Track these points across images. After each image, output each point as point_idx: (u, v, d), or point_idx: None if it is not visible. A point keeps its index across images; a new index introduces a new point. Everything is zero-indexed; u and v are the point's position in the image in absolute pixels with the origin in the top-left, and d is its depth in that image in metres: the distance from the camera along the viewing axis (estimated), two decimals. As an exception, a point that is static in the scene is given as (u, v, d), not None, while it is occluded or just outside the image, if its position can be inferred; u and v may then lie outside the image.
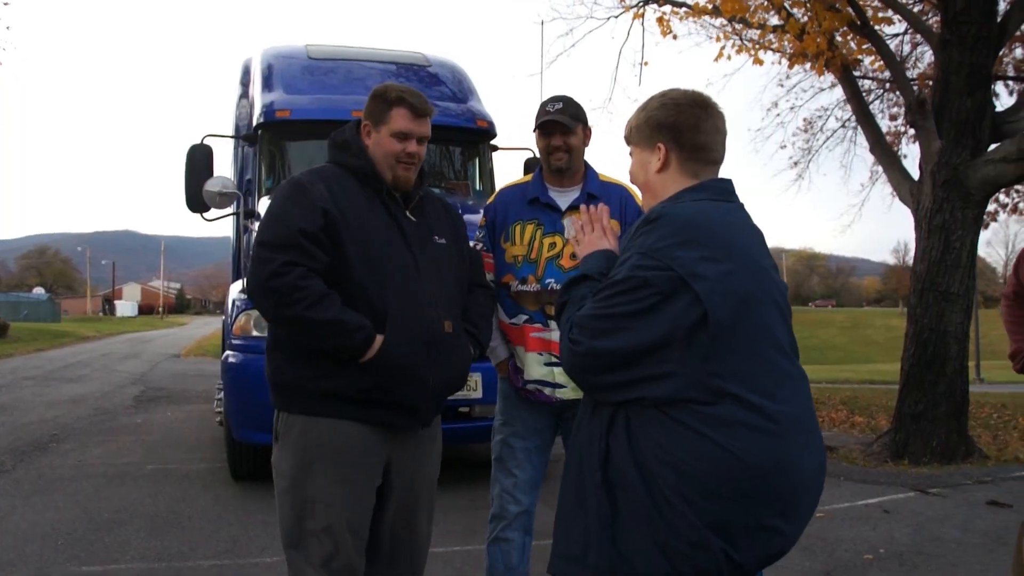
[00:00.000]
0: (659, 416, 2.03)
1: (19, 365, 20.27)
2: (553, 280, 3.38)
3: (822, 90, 14.96)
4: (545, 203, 3.47)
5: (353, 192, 2.88)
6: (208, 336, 37.48)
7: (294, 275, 2.67)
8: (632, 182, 2.43)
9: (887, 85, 14.68)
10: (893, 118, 14.54)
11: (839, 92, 12.79)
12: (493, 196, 3.68)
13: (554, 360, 3.37)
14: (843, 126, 16.03)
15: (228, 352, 6.45)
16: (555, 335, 3.34)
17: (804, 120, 16.24)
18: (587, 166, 3.55)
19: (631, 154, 2.41)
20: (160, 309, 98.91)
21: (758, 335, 2.06)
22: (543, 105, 3.49)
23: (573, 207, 3.43)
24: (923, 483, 6.84)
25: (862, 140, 12.58)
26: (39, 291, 77.74)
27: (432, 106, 3.01)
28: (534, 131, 3.51)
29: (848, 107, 15.41)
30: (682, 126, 2.25)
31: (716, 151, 2.29)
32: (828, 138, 16.11)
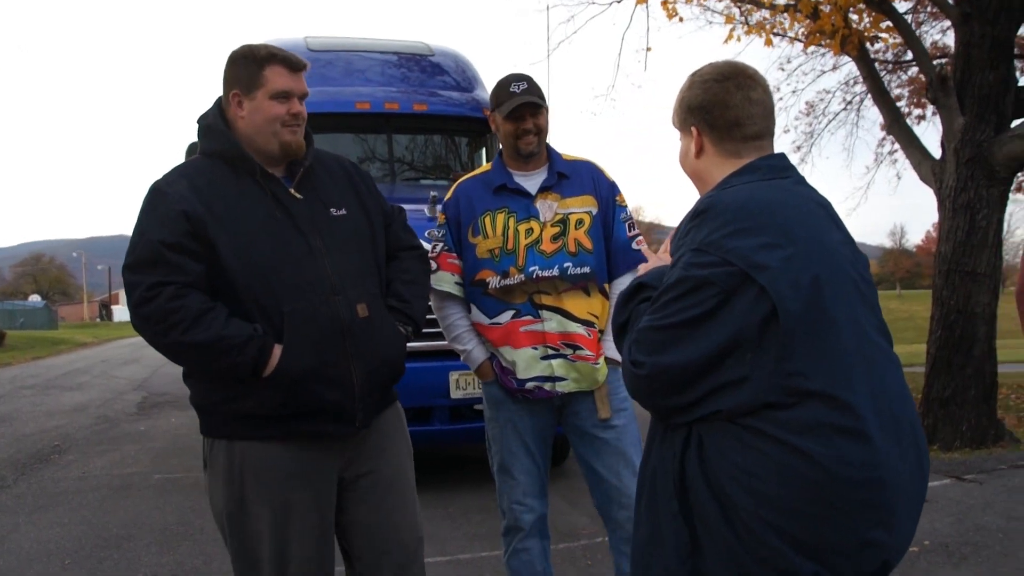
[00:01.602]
0: (734, 430, 1.79)
1: (17, 374, 19.98)
2: (537, 267, 3.18)
3: (824, 72, 14.83)
4: (513, 189, 3.27)
5: (225, 182, 2.55)
6: (207, 339, 37.24)
7: (164, 297, 2.38)
8: (686, 172, 2.19)
9: (889, 66, 14.52)
10: (898, 99, 14.37)
11: (841, 74, 12.68)
12: (450, 191, 3.43)
13: (551, 352, 3.17)
14: (845, 108, 15.90)
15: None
16: (548, 325, 3.17)
17: (806, 103, 16.17)
18: (548, 145, 3.36)
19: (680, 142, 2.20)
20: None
21: (836, 322, 1.81)
22: (503, 87, 3.25)
23: (545, 188, 3.25)
24: (957, 469, 6.64)
25: (864, 123, 12.50)
26: (35, 298, 77.52)
27: (305, 61, 2.67)
28: (495, 113, 3.27)
29: (852, 89, 15.32)
30: (710, 104, 2.04)
31: (753, 124, 2.04)
32: (830, 121, 15.99)
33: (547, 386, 3.20)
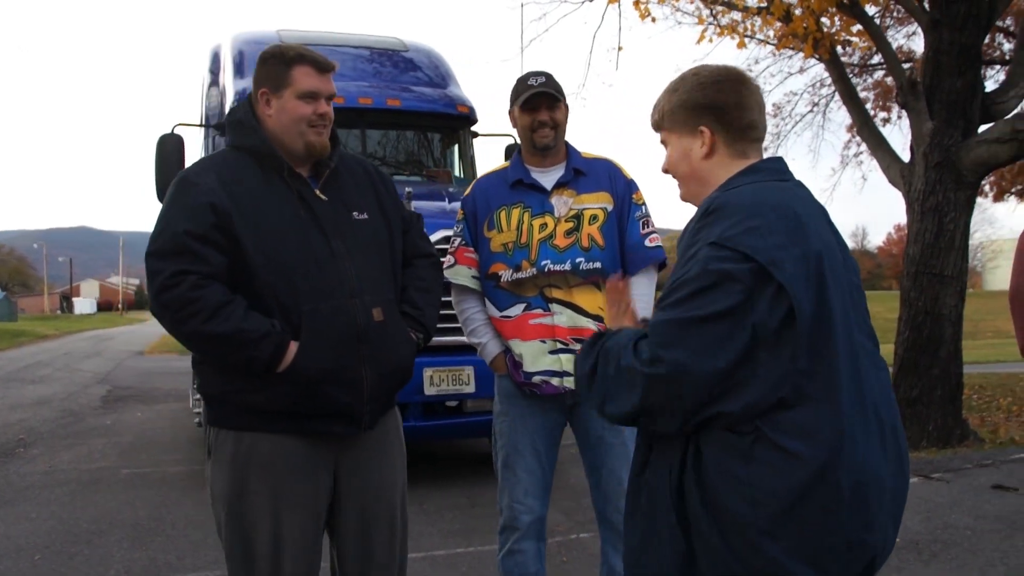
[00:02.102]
0: (733, 439, 1.78)
1: (-23, 367, 19.67)
2: (549, 261, 3.20)
3: (791, 74, 15.02)
4: (529, 184, 3.30)
5: (251, 177, 2.57)
6: (171, 333, 36.84)
7: (186, 285, 2.39)
8: (671, 173, 2.15)
9: (855, 69, 14.71)
10: (864, 101, 14.55)
11: (808, 77, 12.84)
12: (469, 188, 3.47)
13: (559, 346, 3.19)
14: (811, 111, 16.10)
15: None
16: (559, 319, 3.20)
17: (773, 105, 16.30)
18: (567, 143, 3.39)
19: (664, 143, 2.15)
20: (120, 306, 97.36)
21: (834, 325, 1.82)
22: (522, 80, 3.30)
23: (561, 184, 3.28)
24: (924, 468, 6.73)
25: (830, 125, 12.67)
26: (-6, 290, 76.17)
27: (334, 62, 2.70)
28: (513, 107, 3.31)
29: (818, 91, 15.51)
30: (726, 105, 2.02)
31: (762, 128, 2.08)
32: (797, 123, 16.18)
33: (555, 381, 3.20)
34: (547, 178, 3.32)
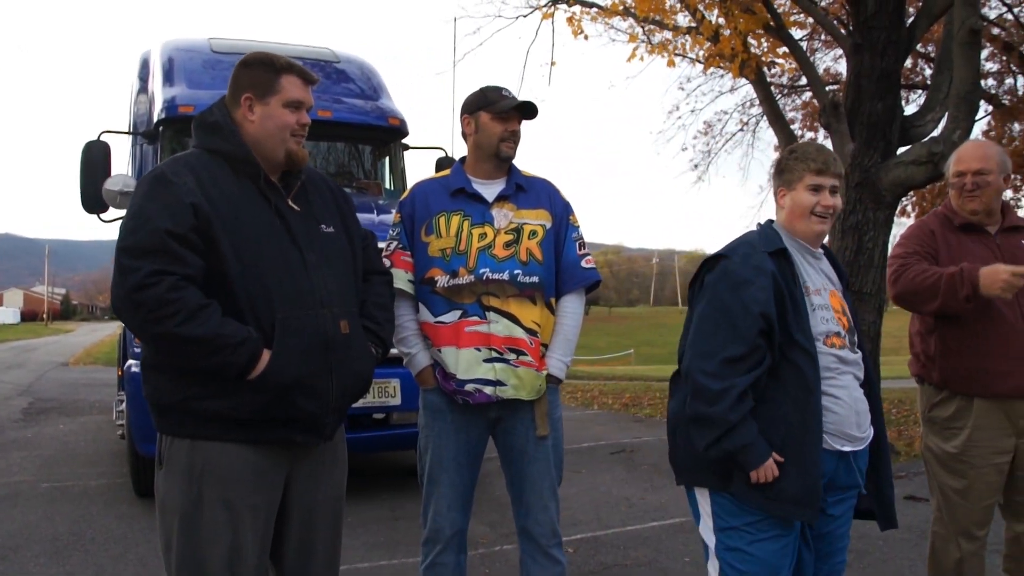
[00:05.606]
0: None
1: None
2: (488, 269, 3.22)
3: (722, 93, 15.33)
4: (471, 194, 3.32)
5: (227, 182, 2.56)
6: (97, 343, 36.03)
7: (164, 286, 2.35)
8: None
9: (785, 89, 15.07)
10: (791, 122, 14.90)
11: (739, 96, 13.14)
12: (407, 191, 3.47)
13: (494, 355, 3.20)
14: (741, 129, 16.44)
15: (131, 361, 6.09)
16: (495, 327, 3.20)
17: (705, 123, 16.62)
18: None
19: None
20: (45, 316, 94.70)
21: None
22: (494, 90, 3.34)
23: (503, 197, 3.32)
24: (842, 480, 6.91)
25: (759, 144, 12.97)
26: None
27: (316, 75, 2.73)
28: (480, 114, 3.31)
29: (748, 111, 15.86)
30: None
31: None
32: (727, 141, 16.50)
33: (488, 390, 3.21)
34: (489, 190, 3.34)
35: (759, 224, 2.91)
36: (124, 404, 6.51)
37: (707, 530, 2.78)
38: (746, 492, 2.62)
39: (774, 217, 2.90)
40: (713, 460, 2.65)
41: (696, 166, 16.09)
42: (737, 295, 2.61)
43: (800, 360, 2.60)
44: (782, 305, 2.61)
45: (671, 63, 9.41)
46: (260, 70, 2.64)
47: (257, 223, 2.55)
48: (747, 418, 2.56)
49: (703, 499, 2.78)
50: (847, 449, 2.69)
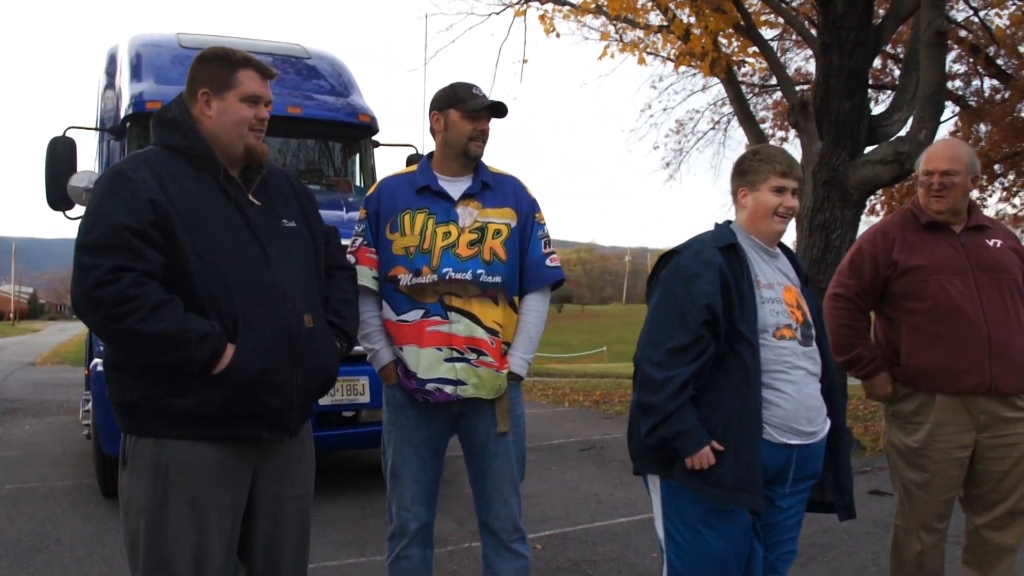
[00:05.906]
0: None
1: None
2: (451, 269, 3.21)
3: (694, 92, 15.43)
4: (437, 192, 3.30)
5: (185, 178, 2.55)
6: (65, 343, 35.60)
7: (124, 282, 2.33)
8: None
9: (756, 89, 15.18)
10: (762, 121, 15.01)
11: (711, 95, 13.22)
12: (373, 187, 3.45)
13: (455, 355, 3.20)
14: (713, 128, 16.54)
15: (97, 360, 6.03)
16: (456, 327, 3.20)
17: (677, 122, 16.69)
18: None
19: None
20: (12, 315, 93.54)
21: None
22: (465, 88, 3.32)
23: (468, 195, 3.31)
24: (809, 476, 6.97)
25: (731, 143, 13.03)
26: None
27: (274, 69, 2.72)
28: (449, 111, 3.29)
29: (720, 109, 15.96)
30: None
31: None
32: (699, 139, 16.60)
33: (448, 389, 3.20)
34: (455, 188, 3.32)
35: (716, 224, 2.95)
36: (90, 404, 6.45)
37: (658, 522, 2.87)
38: (686, 478, 2.70)
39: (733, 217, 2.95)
40: (654, 447, 2.73)
41: (668, 164, 16.19)
42: (686, 288, 2.70)
43: (743, 351, 2.68)
44: (728, 298, 2.68)
45: (641, 61, 9.45)
46: (216, 64, 2.62)
47: (216, 218, 2.54)
48: (686, 406, 2.64)
49: (654, 488, 2.87)
50: (794, 443, 2.74)
